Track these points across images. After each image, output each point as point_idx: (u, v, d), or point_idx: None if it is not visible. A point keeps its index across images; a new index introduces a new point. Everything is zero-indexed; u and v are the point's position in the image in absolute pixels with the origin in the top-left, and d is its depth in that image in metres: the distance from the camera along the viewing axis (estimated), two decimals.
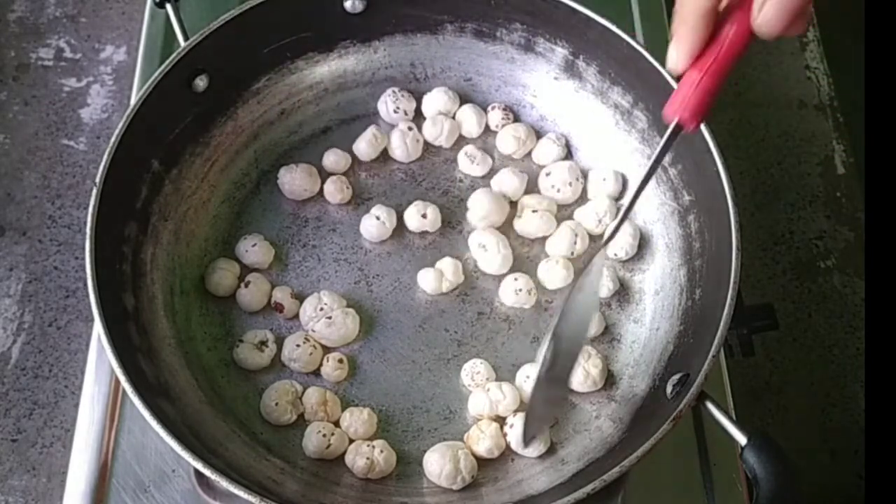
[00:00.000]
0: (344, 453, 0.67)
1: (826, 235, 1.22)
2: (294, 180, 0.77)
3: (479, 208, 0.76)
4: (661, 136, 0.74)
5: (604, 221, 0.76)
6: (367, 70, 0.83)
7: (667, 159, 0.75)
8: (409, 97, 0.82)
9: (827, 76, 1.35)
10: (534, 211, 0.76)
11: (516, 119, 0.82)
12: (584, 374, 0.69)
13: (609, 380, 0.71)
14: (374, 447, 0.66)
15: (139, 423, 0.72)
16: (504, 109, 0.82)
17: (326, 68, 0.82)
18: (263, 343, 0.71)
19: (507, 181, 0.78)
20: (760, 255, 1.20)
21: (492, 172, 0.80)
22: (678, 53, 0.45)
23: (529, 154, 0.81)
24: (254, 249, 0.74)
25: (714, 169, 0.67)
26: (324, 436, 0.67)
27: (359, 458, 0.66)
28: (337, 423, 0.68)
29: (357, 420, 0.68)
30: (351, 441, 0.68)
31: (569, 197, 0.78)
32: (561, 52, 0.79)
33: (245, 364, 0.70)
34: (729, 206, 0.66)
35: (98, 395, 0.74)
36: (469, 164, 0.79)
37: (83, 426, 0.73)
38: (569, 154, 0.81)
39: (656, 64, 0.72)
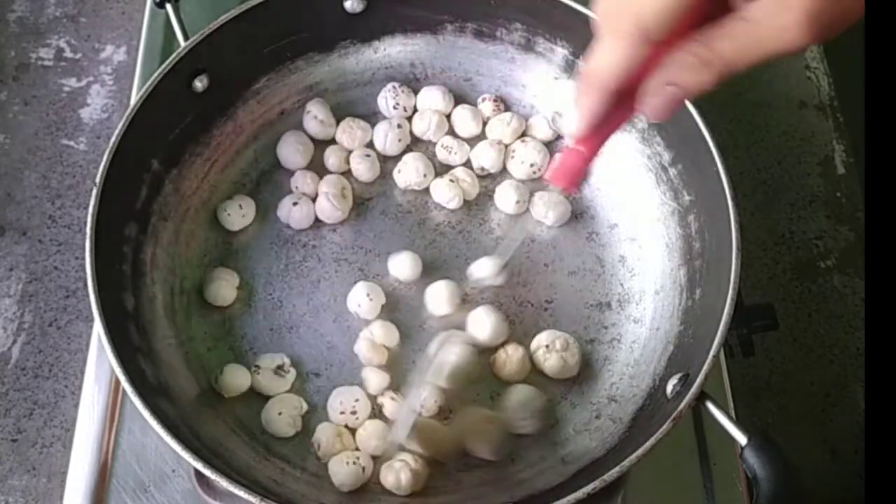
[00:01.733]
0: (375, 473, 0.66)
1: (826, 235, 1.22)
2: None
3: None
4: (661, 137, 0.75)
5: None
6: (367, 70, 0.83)
7: (667, 159, 0.75)
8: (409, 93, 0.82)
9: (827, 76, 1.35)
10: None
11: (507, 109, 0.82)
12: (561, 364, 0.70)
13: (609, 379, 0.71)
14: (405, 461, 0.65)
15: (139, 423, 0.72)
16: (494, 101, 0.82)
17: (326, 68, 0.82)
18: (280, 367, 0.70)
19: (484, 155, 0.79)
20: (760, 255, 1.20)
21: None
22: (582, 123, 0.48)
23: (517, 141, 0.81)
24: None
25: (714, 169, 0.67)
26: (353, 464, 0.65)
27: (400, 473, 0.64)
28: (354, 448, 0.67)
29: (372, 434, 0.67)
30: (374, 458, 0.67)
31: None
32: (561, 52, 0.79)
33: (268, 392, 0.69)
34: (729, 206, 0.66)
35: (98, 395, 0.74)
36: (447, 154, 0.80)
37: (83, 426, 0.73)
38: (561, 135, 0.81)
39: None
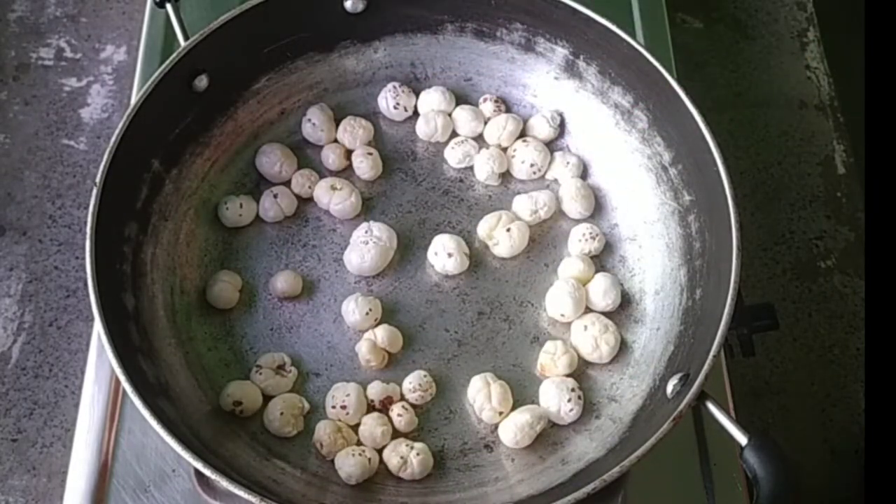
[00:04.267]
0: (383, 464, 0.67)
1: (826, 235, 1.22)
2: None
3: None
4: (661, 137, 0.75)
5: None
6: (367, 70, 0.83)
7: (667, 159, 0.75)
8: (410, 93, 0.82)
9: (827, 76, 1.35)
10: (507, 230, 0.76)
11: (508, 110, 0.82)
12: (594, 345, 0.70)
13: (609, 379, 0.71)
14: (412, 447, 0.66)
15: (139, 423, 0.72)
16: (496, 101, 0.82)
17: (326, 68, 0.82)
18: (282, 367, 0.70)
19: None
20: (760, 255, 1.20)
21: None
22: None
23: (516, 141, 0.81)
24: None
25: (714, 169, 0.67)
26: (359, 455, 0.65)
27: (394, 455, 0.66)
28: (357, 443, 0.68)
29: (374, 426, 0.67)
30: (379, 451, 0.67)
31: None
32: (561, 52, 0.79)
33: (274, 392, 0.69)
34: (729, 206, 0.66)
35: (98, 395, 0.74)
36: (457, 158, 0.80)
37: (83, 426, 0.73)
38: (561, 135, 0.81)
39: (656, 64, 0.72)
